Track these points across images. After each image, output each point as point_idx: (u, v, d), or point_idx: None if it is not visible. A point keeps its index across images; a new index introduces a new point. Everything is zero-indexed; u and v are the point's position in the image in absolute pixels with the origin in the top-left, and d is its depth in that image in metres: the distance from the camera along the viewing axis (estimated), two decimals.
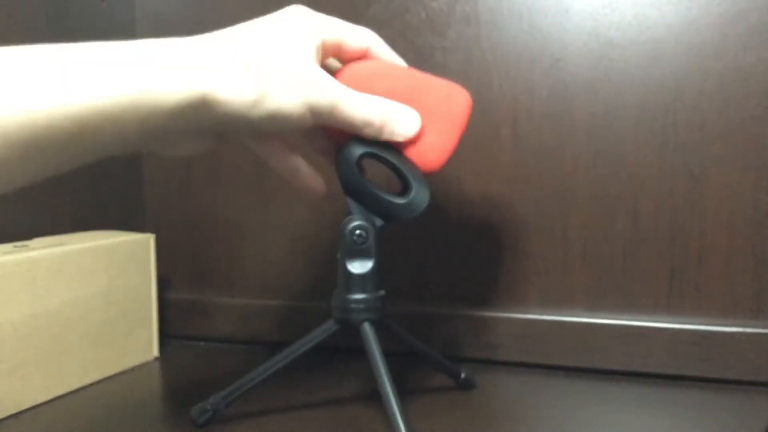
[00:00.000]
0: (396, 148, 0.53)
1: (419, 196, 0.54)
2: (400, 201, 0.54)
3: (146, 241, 0.81)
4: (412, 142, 0.52)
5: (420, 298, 0.83)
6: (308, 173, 0.55)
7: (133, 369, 0.79)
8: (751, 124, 0.71)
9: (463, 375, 0.70)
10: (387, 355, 0.55)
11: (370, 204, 0.55)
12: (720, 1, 0.71)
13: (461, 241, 0.81)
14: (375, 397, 0.55)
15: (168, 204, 0.94)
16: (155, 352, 0.84)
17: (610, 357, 0.75)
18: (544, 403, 0.67)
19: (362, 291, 0.56)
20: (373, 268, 0.55)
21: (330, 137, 0.55)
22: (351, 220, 0.55)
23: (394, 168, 0.54)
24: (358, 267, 0.55)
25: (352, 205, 0.55)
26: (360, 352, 0.56)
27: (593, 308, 0.77)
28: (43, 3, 0.79)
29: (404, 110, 0.51)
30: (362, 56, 0.52)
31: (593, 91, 0.75)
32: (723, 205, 0.72)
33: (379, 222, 0.55)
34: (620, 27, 0.74)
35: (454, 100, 0.54)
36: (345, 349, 0.70)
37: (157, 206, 0.95)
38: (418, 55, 0.81)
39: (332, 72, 0.51)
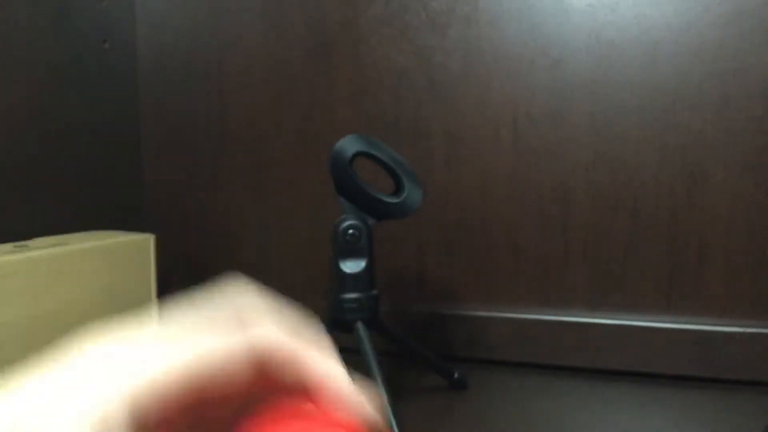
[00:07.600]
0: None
1: (412, 195, 0.54)
2: (393, 200, 0.54)
3: (146, 242, 0.81)
4: None
5: (419, 298, 0.83)
6: None
7: None
8: (751, 124, 0.70)
9: (456, 375, 0.70)
10: (380, 353, 0.55)
11: (363, 203, 0.55)
12: (720, 2, 0.70)
13: (461, 241, 0.81)
14: None
15: (168, 204, 0.95)
16: None
17: (610, 357, 0.75)
18: (542, 403, 0.67)
19: (355, 290, 0.56)
20: (367, 268, 0.56)
21: None
22: (344, 220, 0.55)
23: (387, 167, 0.54)
24: (352, 266, 0.56)
25: (345, 204, 0.55)
26: (353, 351, 0.56)
27: (593, 308, 0.76)
28: (44, 3, 0.80)
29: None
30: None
31: (593, 91, 0.75)
32: (723, 205, 0.72)
33: (372, 221, 0.56)
34: (620, 27, 0.74)
35: None
36: (338, 348, 0.70)
37: (156, 206, 0.95)
38: (419, 55, 0.81)
39: None
